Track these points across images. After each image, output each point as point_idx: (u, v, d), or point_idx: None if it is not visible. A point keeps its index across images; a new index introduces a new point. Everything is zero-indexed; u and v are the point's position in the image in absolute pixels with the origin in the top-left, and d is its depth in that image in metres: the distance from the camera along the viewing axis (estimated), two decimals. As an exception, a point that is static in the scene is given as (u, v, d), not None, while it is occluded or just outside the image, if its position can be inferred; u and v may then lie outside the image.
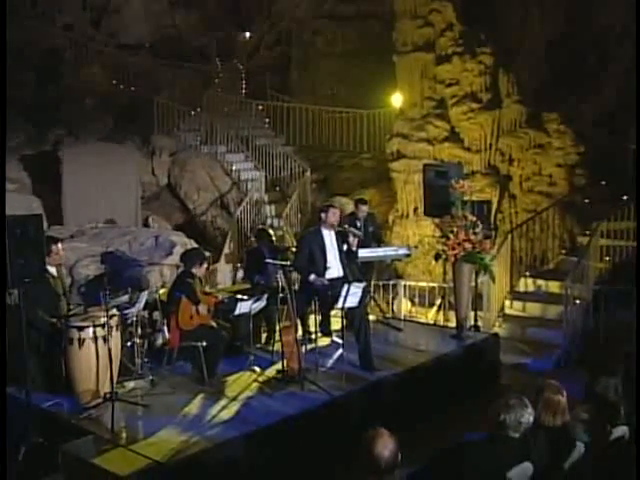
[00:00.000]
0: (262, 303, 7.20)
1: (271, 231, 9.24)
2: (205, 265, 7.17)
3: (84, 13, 21.24)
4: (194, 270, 6.91)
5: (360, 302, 7.07)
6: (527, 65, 11.99)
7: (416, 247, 12.09)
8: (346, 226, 7.95)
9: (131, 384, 6.58)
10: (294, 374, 6.67)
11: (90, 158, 13.42)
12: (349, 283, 6.97)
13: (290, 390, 6.53)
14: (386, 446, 3.53)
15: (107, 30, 20.82)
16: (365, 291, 7.18)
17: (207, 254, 8.41)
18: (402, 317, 9.88)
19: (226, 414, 6.01)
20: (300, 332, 7.45)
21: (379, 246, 9.18)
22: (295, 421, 5.96)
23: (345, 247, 7.71)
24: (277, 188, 15.61)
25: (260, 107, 17.45)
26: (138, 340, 6.72)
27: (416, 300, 10.72)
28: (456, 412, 6.89)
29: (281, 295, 7.20)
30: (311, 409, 6.13)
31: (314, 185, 15.30)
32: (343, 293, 6.86)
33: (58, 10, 20.84)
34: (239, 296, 7.25)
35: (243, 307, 6.90)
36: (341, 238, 7.58)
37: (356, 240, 7.99)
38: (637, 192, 9.70)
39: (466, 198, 8.59)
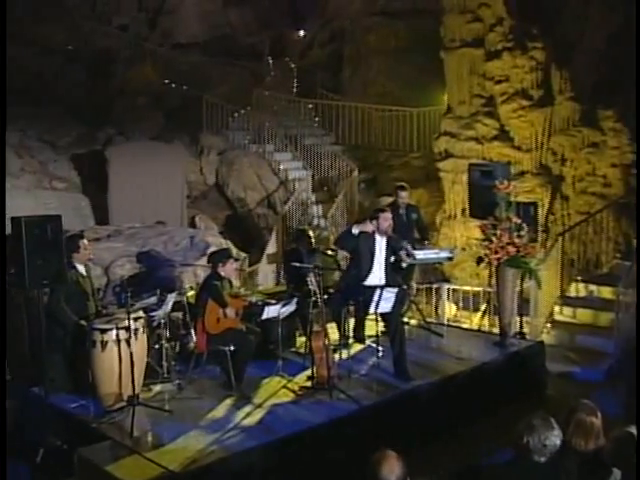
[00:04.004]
0: (291, 307, 6.99)
1: (310, 232, 8.97)
2: (231, 263, 6.91)
3: (140, 14, 21.62)
4: (219, 269, 6.73)
5: (394, 307, 6.84)
6: (585, 61, 11.45)
7: (464, 249, 11.75)
8: (404, 243, 7.62)
9: (157, 387, 6.50)
10: (323, 381, 6.47)
11: (137, 157, 13.52)
12: (382, 288, 6.74)
13: (318, 398, 6.33)
14: (392, 470, 3.31)
15: (162, 30, 21.07)
16: (399, 296, 6.91)
17: (243, 255, 8.26)
18: (445, 322, 9.56)
19: (250, 422, 5.85)
20: (335, 336, 7.23)
21: (425, 240, 8.93)
22: (321, 430, 5.75)
23: (393, 258, 7.43)
24: (325, 188, 15.41)
25: (310, 106, 17.28)
26: (166, 343, 6.62)
27: (460, 304, 10.37)
28: (494, 424, 6.53)
29: (313, 299, 6.98)
30: (338, 418, 5.91)
31: (362, 185, 15.06)
32: (375, 298, 6.67)
33: (115, 11, 21.26)
34: (267, 300, 7.06)
35: (271, 311, 6.70)
36: (392, 249, 7.31)
37: (409, 259, 7.69)
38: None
39: (512, 199, 8.25)
